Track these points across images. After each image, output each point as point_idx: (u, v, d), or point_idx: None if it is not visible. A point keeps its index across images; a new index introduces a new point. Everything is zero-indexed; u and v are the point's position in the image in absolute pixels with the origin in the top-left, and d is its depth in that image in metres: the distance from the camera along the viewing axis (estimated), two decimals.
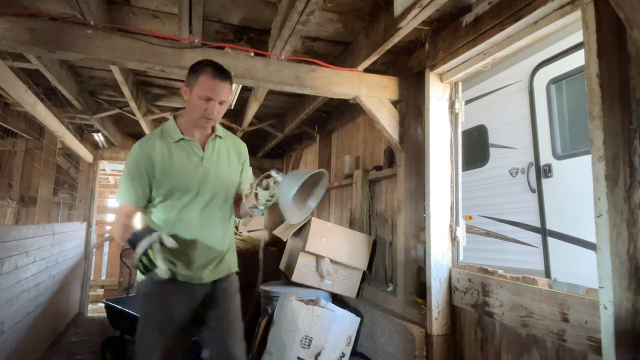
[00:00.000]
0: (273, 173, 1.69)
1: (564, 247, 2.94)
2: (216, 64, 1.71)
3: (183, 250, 1.61)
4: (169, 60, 2.43)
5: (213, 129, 1.83)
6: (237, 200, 1.90)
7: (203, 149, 1.77)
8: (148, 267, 1.44)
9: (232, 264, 1.90)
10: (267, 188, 1.68)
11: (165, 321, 1.68)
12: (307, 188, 1.75)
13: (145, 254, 1.44)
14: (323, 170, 1.72)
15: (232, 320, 1.80)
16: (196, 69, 1.69)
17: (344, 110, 4.33)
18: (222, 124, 4.98)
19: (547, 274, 3.02)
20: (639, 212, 1.53)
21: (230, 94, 1.76)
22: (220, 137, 1.85)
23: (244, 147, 1.96)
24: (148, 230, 1.58)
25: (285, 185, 1.62)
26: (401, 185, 2.99)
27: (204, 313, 1.78)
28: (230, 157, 1.85)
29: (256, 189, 1.70)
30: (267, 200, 1.67)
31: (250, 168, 2.03)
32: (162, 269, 1.45)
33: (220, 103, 1.70)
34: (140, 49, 2.38)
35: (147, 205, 1.75)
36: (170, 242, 1.48)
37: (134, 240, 1.51)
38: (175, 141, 1.73)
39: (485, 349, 2.29)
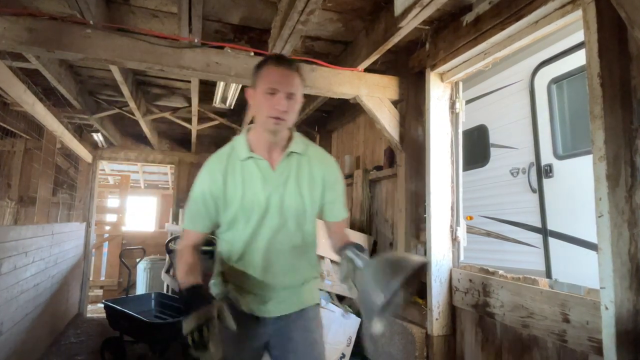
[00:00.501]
0: (350, 254, 1.33)
1: (565, 248, 2.93)
2: (280, 55, 1.55)
3: (247, 287, 1.50)
4: (168, 60, 2.43)
5: (289, 143, 1.54)
6: (331, 230, 1.63)
7: (274, 168, 1.51)
8: (197, 346, 1.20)
9: (308, 297, 1.63)
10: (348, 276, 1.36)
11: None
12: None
13: (199, 330, 1.20)
14: (423, 259, 1.41)
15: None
16: (259, 64, 1.50)
17: (344, 110, 4.33)
18: (223, 124, 5.03)
19: (548, 274, 3.01)
20: None
21: (300, 87, 1.47)
22: (299, 154, 1.55)
23: (330, 164, 1.63)
24: (205, 295, 1.37)
25: (370, 284, 1.19)
26: (401, 185, 2.99)
27: (274, 352, 1.58)
28: (308, 177, 1.56)
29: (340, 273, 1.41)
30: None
31: None
32: (213, 355, 1.18)
33: (289, 97, 1.42)
34: (140, 49, 2.37)
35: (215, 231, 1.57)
36: (231, 325, 1.26)
37: (185, 301, 1.29)
38: (242, 160, 1.51)
39: (486, 349, 2.28)
